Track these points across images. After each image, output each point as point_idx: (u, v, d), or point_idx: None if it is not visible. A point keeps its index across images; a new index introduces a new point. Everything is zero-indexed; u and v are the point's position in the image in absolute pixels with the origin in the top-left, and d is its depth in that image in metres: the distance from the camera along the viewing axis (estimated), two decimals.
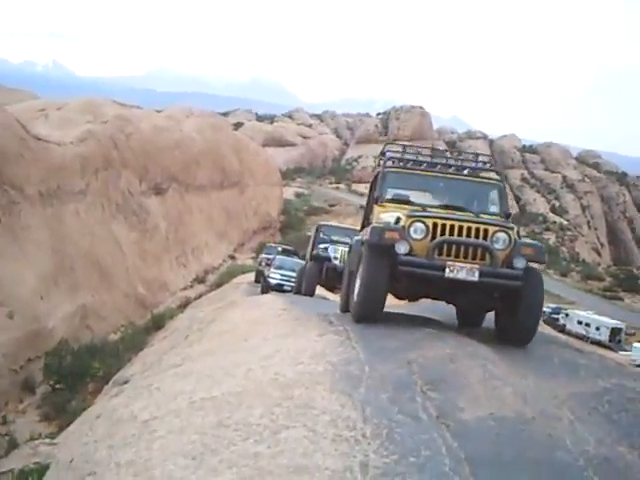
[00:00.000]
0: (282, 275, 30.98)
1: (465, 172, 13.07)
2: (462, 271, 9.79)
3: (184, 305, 41.38)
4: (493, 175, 13.28)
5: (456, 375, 8.27)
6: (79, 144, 41.88)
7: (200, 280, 51.06)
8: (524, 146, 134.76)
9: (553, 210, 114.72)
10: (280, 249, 38.75)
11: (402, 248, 9.99)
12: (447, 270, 9.77)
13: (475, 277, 9.81)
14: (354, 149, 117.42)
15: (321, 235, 24.36)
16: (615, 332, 48.61)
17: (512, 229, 10.37)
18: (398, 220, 10.51)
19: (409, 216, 10.35)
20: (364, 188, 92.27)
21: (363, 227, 13.45)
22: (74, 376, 30.59)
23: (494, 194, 12.50)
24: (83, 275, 37.75)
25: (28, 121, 38.89)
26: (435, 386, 7.77)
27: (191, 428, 7.14)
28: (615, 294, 79.28)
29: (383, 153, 13.42)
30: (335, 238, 23.99)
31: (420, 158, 13.28)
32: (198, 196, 57.39)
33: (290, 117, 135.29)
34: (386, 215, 11.41)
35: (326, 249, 22.41)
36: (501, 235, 10.16)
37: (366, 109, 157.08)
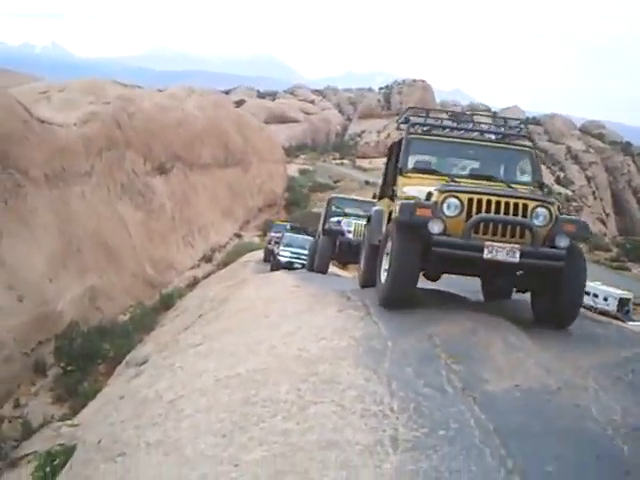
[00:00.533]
0: (292, 253, 30.47)
1: (493, 138, 12.41)
2: (502, 252, 9.08)
3: (192, 284, 41.46)
4: (524, 141, 12.48)
5: (478, 347, 8.28)
6: (82, 125, 41.80)
7: (207, 259, 51.09)
8: (527, 118, 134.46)
9: (558, 181, 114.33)
10: (288, 227, 38.38)
11: (436, 227, 9.17)
12: (485, 251, 9.05)
13: (516, 258, 9.09)
14: (357, 124, 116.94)
15: (333, 208, 23.51)
16: (623, 302, 48.29)
17: (553, 204, 9.58)
18: (429, 195, 9.59)
19: (442, 191, 9.45)
20: (368, 163, 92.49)
21: (381, 197, 13.12)
22: (85, 358, 30.66)
23: (525, 162, 11.81)
24: (90, 257, 37.77)
25: (30, 104, 38.77)
26: (458, 359, 7.78)
27: (218, 406, 7.18)
28: (622, 264, 78.95)
29: (406, 119, 12.38)
30: (348, 211, 23.17)
31: (445, 123, 12.55)
32: (202, 175, 57.32)
33: (292, 93, 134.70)
34: (411, 188, 10.63)
35: (339, 222, 21.42)
36: (542, 211, 9.40)
37: (368, 83, 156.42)
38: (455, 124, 12.55)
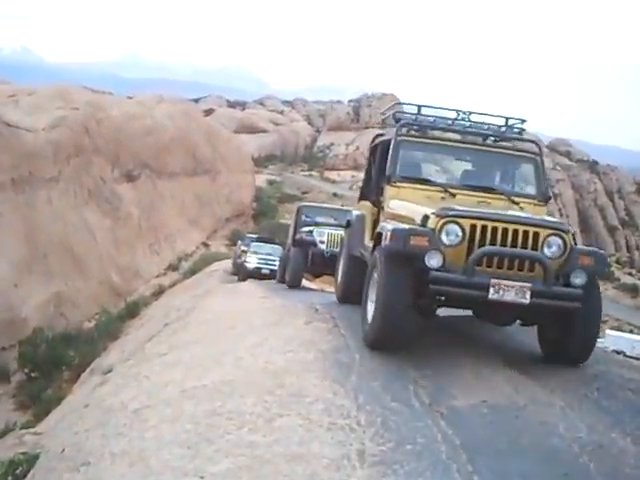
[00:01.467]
0: (259, 259, 29.94)
1: (492, 141, 11.02)
2: (510, 292, 7.79)
3: (158, 293, 41.26)
4: (529, 145, 11.04)
5: (447, 362, 8.33)
6: (51, 130, 41.58)
7: (173, 268, 50.88)
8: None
9: None
10: (254, 237, 37.63)
11: (434, 261, 7.88)
12: (491, 290, 7.76)
13: (526, 299, 7.82)
14: (326, 136, 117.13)
15: (303, 217, 22.23)
16: None
17: (567, 232, 8.40)
18: (425, 220, 8.28)
19: (441, 215, 8.14)
20: (336, 175, 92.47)
21: (362, 198, 12.05)
22: (49, 364, 30.48)
23: (530, 170, 10.42)
24: (56, 263, 37.54)
25: None
26: (426, 374, 7.82)
27: (184, 417, 7.13)
28: None
29: (395, 117, 10.91)
30: (319, 220, 21.86)
31: (439, 123, 10.98)
32: (170, 183, 57.13)
33: (261, 104, 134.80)
34: (401, 204, 9.43)
35: (310, 232, 20.23)
36: (555, 240, 8.22)
37: (338, 96, 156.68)
38: (450, 123, 11.10)
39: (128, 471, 6.23)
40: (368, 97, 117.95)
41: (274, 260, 28.33)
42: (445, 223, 8.08)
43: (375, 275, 8.63)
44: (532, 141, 11.05)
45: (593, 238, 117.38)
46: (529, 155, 10.56)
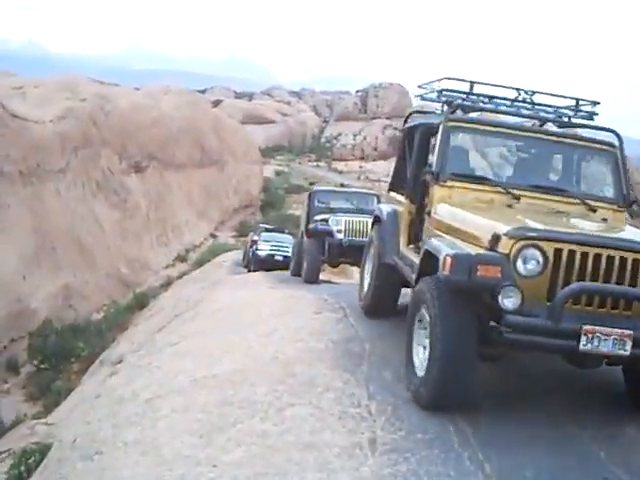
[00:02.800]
0: (272, 246, 28.98)
1: (553, 129, 8.90)
2: (607, 341, 5.98)
3: (166, 284, 41.27)
4: (606, 135, 8.67)
5: None
6: (58, 122, 41.55)
7: (182, 259, 50.85)
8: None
9: None
10: (261, 226, 36.94)
11: (511, 300, 5.90)
12: (583, 340, 5.96)
13: (626, 350, 6.01)
14: (333, 127, 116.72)
15: (316, 203, 20.52)
16: None
17: None
18: (496, 240, 6.29)
19: (516, 236, 6.19)
20: (344, 166, 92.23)
21: (393, 189, 10.35)
22: (58, 356, 30.48)
23: (607, 166, 8.40)
24: (65, 255, 37.55)
25: (5, 99, 38.50)
26: None
27: (196, 406, 7.18)
28: None
29: (443, 95, 8.88)
30: (334, 205, 20.36)
31: (497, 104, 9.00)
32: (178, 174, 57.07)
33: (269, 94, 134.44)
34: (454, 212, 7.41)
35: (326, 221, 18.58)
36: None
37: (345, 87, 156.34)
38: (509, 105, 9.05)
39: (141, 460, 6.27)
40: (375, 87, 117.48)
41: (287, 247, 27.54)
42: (523, 247, 6.16)
43: (425, 312, 6.61)
44: (610, 130, 8.66)
45: None
46: (607, 148, 8.43)
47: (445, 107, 8.79)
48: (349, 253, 17.68)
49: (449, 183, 7.83)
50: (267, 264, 27.16)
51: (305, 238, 19.66)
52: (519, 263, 6.16)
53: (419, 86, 9.65)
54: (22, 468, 10.91)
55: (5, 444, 17.64)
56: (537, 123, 9.03)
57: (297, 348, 8.61)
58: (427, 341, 6.54)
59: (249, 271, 28.38)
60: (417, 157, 9.25)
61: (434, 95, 9.16)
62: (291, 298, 12.62)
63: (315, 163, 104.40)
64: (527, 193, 7.82)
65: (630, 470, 5.77)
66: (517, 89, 9.05)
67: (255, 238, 31.71)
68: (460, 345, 6.20)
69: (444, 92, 8.89)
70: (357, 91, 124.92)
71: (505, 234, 6.28)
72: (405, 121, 10.37)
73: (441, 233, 7.31)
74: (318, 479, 5.42)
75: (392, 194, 10.40)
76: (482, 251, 6.36)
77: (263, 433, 6.29)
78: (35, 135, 37.91)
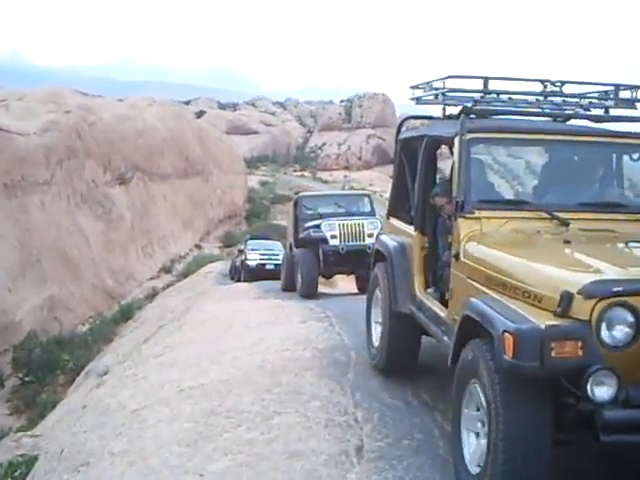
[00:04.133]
0: (261, 254, 27.56)
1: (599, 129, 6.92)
2: None
3: (152, 295, 41.17)
4: None
5: (444, 360, 8.35)
6: (42, 134, 41.44)
7: (167, 270, 50.75)
8: None
9: None
10: (248, 236, 36.20)
11: (604, 389, 4.31)
12: None
13: None
14: (317, 136, 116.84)
15: (304, 210, 19.24)
16: None
17: None
18: (569, 301, 4.52)
19: (598, 296, 4.47)
20: (329, 175, 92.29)
21: (393, 214, 8.41)
22: (43, 369, 30.31)
23: None
24: (50, 267, 37.42)
25: None
26: (424, 372, 7.85)
27: (182, 416, 7.19)
28: None
29: (445, 95, 7.00)
30: (323, 211, 19.06)
31: (519, 104, 7.11)
32: (162, 185, 57.02)
33: (253, 105, 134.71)
34: (500, 258, 5.40)
35: (318, 227, 17.33)
36: None
37: (329, 97, 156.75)
38: (534, 102, 7.15)
39: (128, 470, 6.28)
40: (359, 97, 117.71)
41: (277, 255, 26.35)
42: (606, 308, 4.46)
43: (479, 392, 4.86)
44: None
45: None
46: None
47: (445, 112, 7.41)
48: (347, 260, 16.97)
49: (477, 214, 5.95)
50: (258, 274, 25.90)
51: (294, 249, 18.70)
52: (604, 331, 4.46)
53: (414, 87, 7.92)
54: None
55: None
56: (564, 121, 7.22)
57: (283, 357, 8.64)
58: (481, 428, 4.90)
59: (238, 281, 27.56)
60: (424, 177, 7.33)
61: (435, 97, 7.39)
62: (277, 307, 12.67)
63: (300, 173, 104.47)
64: (575, 215, 6.06)
65: None
66: (542, 81, 7.14)
67: (241, 247, 30.68)
68: (532, 448, 4.52)
69: (451, 93, 7.01)
70: (341, 101, 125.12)
71: (580, 292, 4.51)
72: (398, 129, 8.57)
73: (478, 285, 5.41)
74: None
75: (394, 222, 8.32)
76: (547, 315, 4.58)
77: (250, 442, 6.31)
78: (19, 147, 37.80)
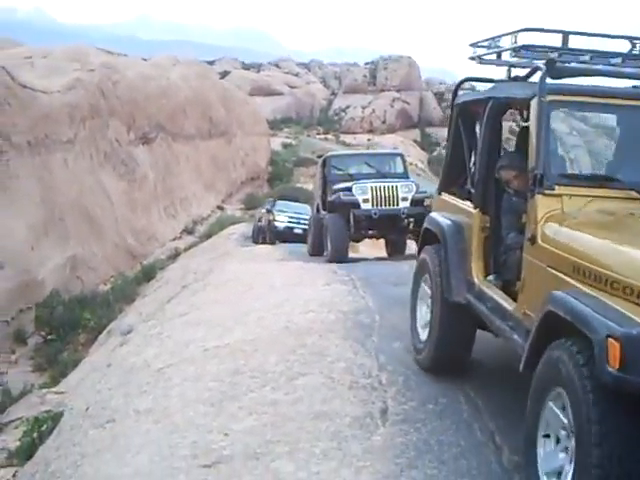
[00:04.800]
0: (290, 217, 26.45)
1: None
2: None
3: (174, 256, 41.29)
4: None
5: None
6: (66, 92, 41.39)
7: (189, 231, 50.78)
8: None
9: None
10: (272, 199, 35.39)
11: None
12: None
13: None
14: (342, 99, 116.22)
15: (333, 171, 18.21)
16: None
17: None
18: None
19: None
20: (352, 139, 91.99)
21: (447, 189, 7.46)
22: (65, 327, 30.48)
23: None
24: (72, 226, 37.52)
25: (13, 69, 38.42)
26: None
27: (207, 376, 7.21)
28: None
29: (519, 50, 6.19)
30: (354, 171, 18.21)
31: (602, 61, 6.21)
32: (185, 146, 56.94)
33: (277, 66, 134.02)
34: (585, 240, 4.59)
35: (349, 190, 16.37)
36: None
37: (354, 59, 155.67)
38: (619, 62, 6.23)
39: (153, 428, 6.32)
40: (384, 60, 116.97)
41: (306, 219, 24.40)
42: None
43: (566, 401, 4.04)
44: None
45: None
46: None
47: (511, 74, 6.77)
48: (379, 225, 16.48)
49: (558, 190, 5.13)
50: (286, 237, 25.29)
51: (322, 212, 17.99)
52: None
53: (474, 44, 7.05)
54: (34, 435, 10.99)
55: (16, 412, 17.75)
56: None
57: (308, 319, 8.65)
58: (567, 440, 4.10)
59: (263, 243, 26.59)
60: (487, 147, 6.46)
61: (497, 57, 6.76)
62: (300, 269, 12.67)
63: (323, 136, 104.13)
64: None
65: None
66: (631, 38, 6.38)
67: (267, 207, 29.38)
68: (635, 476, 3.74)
69: (526, 49, 6.18)
70: (366, 63, 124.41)
71: None
72: (455, 93, 7.53)
73: (563, 275, 4.57)
74: (329, 448, 5.46)
75: (448, 198, 7.39)
76: None
77: (274, 402, 6.34)
78: (43, 105, 37.81)
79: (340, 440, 5.55)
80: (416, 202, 16.35)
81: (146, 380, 7.67)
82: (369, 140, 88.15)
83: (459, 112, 7.25)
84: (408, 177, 18.36)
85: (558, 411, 4.12)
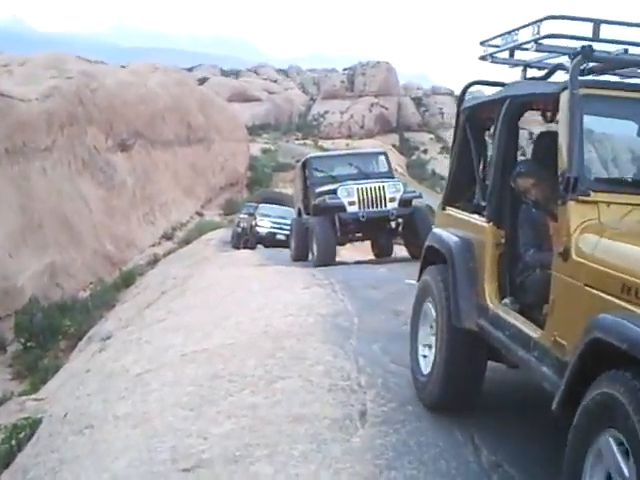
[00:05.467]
0: (272, 222, 26.08)
1: None
2: None
3: (153, 262, 41.28)
4: None
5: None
6: (44, 100, 41.30)
7: (168, 237, 50.76)
8: None
9: None
10: (261, 199, 34.56)
11: None
12: None
13: None
14: (320, 104, 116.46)
15: (314, 173, 17.34)
16: None
17: None
18: None
19: None
20: (331, 144, 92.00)
21: (451, 203, 6.60)
22: (45, 334, 30.44)
23: None
24: (51, 233, 37.46)
25: None
26: None
27: (186, 380, 7.20)
28: None
29: (539, 43, 5.32)
30: (337, 173, 17.39)
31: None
32: (164, 152, 56.89)
33: (255, 72, 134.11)
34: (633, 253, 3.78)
35: (334, 193, 15.68)
36: None
37: (333, 64, 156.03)
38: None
39: (132, 433, 6.30)
40: (362, 65, 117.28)
41: (289, 225, 22.98)
42: None
43: (624, 441, 3.29)
44: None
45: None
46: None
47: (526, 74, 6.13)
48: (367, 228, 16.00)
49: (594, 196, 4.42)
50: (268, 243, 25.14)
51: (304, 216, 17.47)
52: None
53: (485, 42, 6.17)
54: (13, 442, 10.93)
55: None
56: None
57: (287, 322, 8.65)
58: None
59: (245, 247, 26.37)
60: (503, 152, 5.68)
61: (510, 55, 5.96)
62: (279, 274, 12.68)
63: (302, 141, 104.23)
64: None
65: None
66: None
67: (247, 213, 29.33)
68: None
69: (551, 37, 5.30)
70: (344, 69, 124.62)
71: None
72: (461, 97, 6.81)
73: (606, 295, 3.80)
74: (309, 450, 5.45)
75: (453, 212, 6.55)
76: None
77: (253, 406, 6.32)
78: (21, 113, 37.70)
79: (319, 442, 5.54)
80: (404, 202, 15.89)
81: (125, 385, 7.65)
82: (348, 145, 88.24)
83: (467, 117, 6.42)
84: (393, 176, 17.78)
85: (608, 454, 3.36)
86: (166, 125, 57.74)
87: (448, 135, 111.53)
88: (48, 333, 30.59)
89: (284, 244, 22.53)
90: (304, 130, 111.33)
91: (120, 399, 7.27)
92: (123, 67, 61.85)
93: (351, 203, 15.33)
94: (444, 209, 6.72)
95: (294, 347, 7.68)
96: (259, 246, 25.14)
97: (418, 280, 6.75)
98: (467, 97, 6.72)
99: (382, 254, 18.06)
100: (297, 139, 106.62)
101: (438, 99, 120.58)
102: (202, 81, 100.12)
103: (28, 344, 30.20)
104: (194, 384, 7.03)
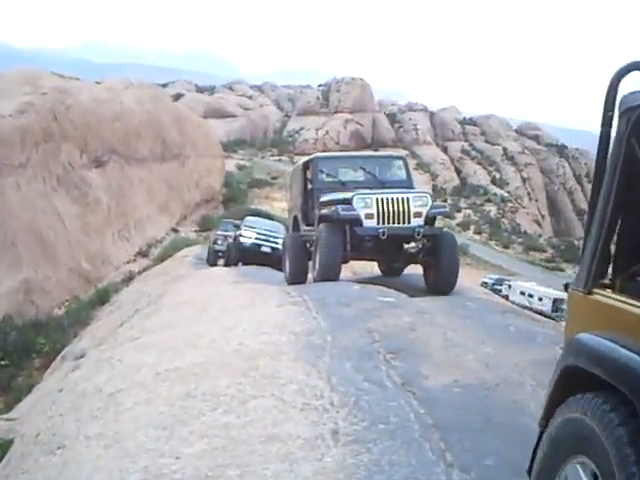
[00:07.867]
0: (258, 233, 24.01)
1: None
2: None
3: (128, 279, 41.08)
4: None
5: (417, 343, 8.41)
6: (18, 116, 41.16)
7: (143, 254, 50.56)
8: (464, 118, 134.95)
9: (494, 182, 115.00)
10: (247, 212, 33.73)
11: None
12: None
13: None
14: (295, 121, 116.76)
15: (320, 177, 14.75)
16: (558, 303, 48.47)
17: None
18: None
19: None
20: None
21: (596, 279, 3.74)
22: (19, 352, 30.21)
23: None
24: (25, 250, 37.24)
25: None
26: (398, 354, 7.90)
27: (158, 399, 7.17)
28: (556, 265, 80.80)
29: None
30: (347, 178, 14.96)
31: None
32: (139, 168, 56.71)
33: (230, 88, 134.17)
34: None
35: (348, 202, 13.01)
36: None
37: (307, 81, 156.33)
38: None
39: (104, 453, 6.27)
40: (337, 82, 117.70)
41: (276, 237, 22.75)
42: None
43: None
44: None
45: (562, 221, 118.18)
46: None
47: None
48: (383, 248, 13.39)
49: None
50: (251, 256, 23.27)
51: (304, 227, 15.22)
52: None
53: None
54: None
55: None
56: None
57: (260, 341, 8.64)
58: None
59: (226, 264, 25.64)
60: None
61: None
62: (253, 291, 12.65)
63: (277, 157, 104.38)
64: None
65: None
66: None
67: (227, 234, 28.27)
68: None
69: None
70: (319, 85, 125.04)
71: None
72: (614, 91, 3.82)
73: None
74: (281, 470, 5.44)
75: (619, 301, 3.53)
76: None
77: (226, 425, 6.31)
78: None
79: (291, 462, 5.54)
80: (432, 220, 13.48)
81: (97, 405, 7.62)
82: None
83: (633, 127, 3.62)
84: (413, 186, 15.06)
85: None
86: (141, 141, 57.59)
87: (423, 151, 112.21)
88: (22, 351, 30.36)
89: (268, 260, 21.35)
90: (279, 146, 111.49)
91: (92, 418, 7.23)
92: (98, 83, 61.72)
93: (368, 216, 12.79)
94: (590, 293, 3.83)
95: (267, 366, 7.67)
96: (242, 264, 23.60)
97: (545, 419, 3.93)
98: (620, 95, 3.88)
99: (391, 272, 15.77)
100: (272, 155, 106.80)
101: (413, 115, 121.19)
102: (177, 97, 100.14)
103: (2, 362, 29.96)
104: (167, 403, 7.00)
